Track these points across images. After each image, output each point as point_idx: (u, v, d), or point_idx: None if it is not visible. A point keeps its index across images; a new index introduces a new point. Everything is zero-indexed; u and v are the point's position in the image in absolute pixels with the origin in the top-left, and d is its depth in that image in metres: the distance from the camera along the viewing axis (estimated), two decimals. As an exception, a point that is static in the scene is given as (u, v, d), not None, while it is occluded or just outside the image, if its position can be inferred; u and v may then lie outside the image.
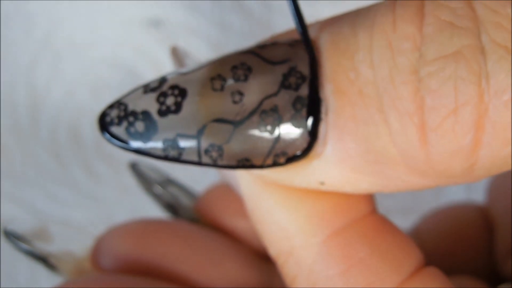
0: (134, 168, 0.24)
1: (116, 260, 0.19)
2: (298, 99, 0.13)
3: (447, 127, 0.11)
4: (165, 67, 0.34)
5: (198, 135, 0.13)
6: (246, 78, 0.13)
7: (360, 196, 0.15)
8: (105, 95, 0.34)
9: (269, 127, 0.13)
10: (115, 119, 0.13)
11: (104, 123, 0.14)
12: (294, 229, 0.15)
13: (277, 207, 0.15)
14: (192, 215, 0.22)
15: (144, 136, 0.13)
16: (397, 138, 0.12)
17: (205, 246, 0.20)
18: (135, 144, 0.13)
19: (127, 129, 0.13)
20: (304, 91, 0.13)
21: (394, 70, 0.12)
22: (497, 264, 0.22)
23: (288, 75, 0.13)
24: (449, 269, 0.22)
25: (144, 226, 0.20)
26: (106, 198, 0.33)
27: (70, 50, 0.34)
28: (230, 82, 0.13)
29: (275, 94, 0.13)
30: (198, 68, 0.13)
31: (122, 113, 0.13)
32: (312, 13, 0.32)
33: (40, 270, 0.21)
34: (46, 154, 0.34)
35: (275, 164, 0.13)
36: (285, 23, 0.34)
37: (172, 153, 0.13)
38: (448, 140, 0.12)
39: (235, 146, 0.13)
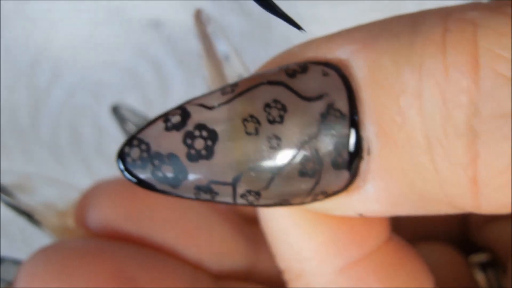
0: (116, 111, 0.23)
1: (104, 222, 0.18)
2: (338, 140, 0.12)
3: (501, 182, 0.11)
4: (165, 67, 0.34)
5: (234, 182, 0.12)
6: (281, 120, 0.12)
7: (380, 223, 0.15)
8: (105, 96, 0.34)
9: (310, 172, 0.12)
10: (137, 161, 0.12)
11: (126, 165, 0.12)
12: (308, 255, 0.14)
13: (293, 229, 0.14)
14: None
15: (173, 181, 0.12)
16: (446, 186, 0.12)
17: (192, 210, 0.19)
18: (163, 187, 0.12)
19: (153, 174, 0.12)
20: (344, 130, 0.12)
21: (447, 122, 0.11)
22: (471, 232, 0.22)
23: (326, 114, 0.12)
24: (423, 233, 0.21)
25: (132, 187, 0.20)
26: (106, 198, 0.33)
27: (70, 50, 0.34)
28: (264, 124, 0.12)
29: (314, 136, 0.12)
30: (224, 102, 0.12)
31: (145, 154, 0.12)
32: (313, 14, 0.33)
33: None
34: (46, 154, 0.34)
35: (313, 201, 0.13)
36: (285, 23, 0.33)
37: (204, 196, 0.12)
38: (502, 195, 0.11)
39: (273, 191, 0.12)
